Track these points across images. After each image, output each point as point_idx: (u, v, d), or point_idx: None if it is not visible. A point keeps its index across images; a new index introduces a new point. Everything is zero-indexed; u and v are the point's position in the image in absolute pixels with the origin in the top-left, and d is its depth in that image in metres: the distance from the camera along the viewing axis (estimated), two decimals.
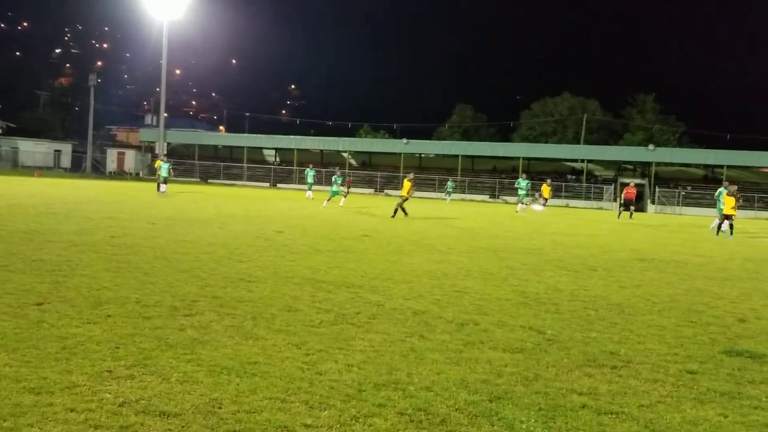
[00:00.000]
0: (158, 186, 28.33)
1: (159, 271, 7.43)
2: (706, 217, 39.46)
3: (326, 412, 3.39)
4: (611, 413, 3.60)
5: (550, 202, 36.46)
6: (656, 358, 4.80)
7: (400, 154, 54.89)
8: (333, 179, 26.29)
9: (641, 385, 4.16)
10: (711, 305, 7.24)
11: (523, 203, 31.00)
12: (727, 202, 20.13)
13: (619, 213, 31.60)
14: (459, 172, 52.49)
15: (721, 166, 49.91)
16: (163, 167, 28.59)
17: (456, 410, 3.53)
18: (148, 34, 65.97)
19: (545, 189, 33.94)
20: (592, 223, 25.35)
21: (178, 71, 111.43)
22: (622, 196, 32.16)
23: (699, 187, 50.22)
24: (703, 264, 11.66)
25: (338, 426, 3.23)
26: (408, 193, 21.23)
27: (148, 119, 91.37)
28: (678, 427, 3.46)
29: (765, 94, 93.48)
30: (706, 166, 54.45)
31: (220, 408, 3.36)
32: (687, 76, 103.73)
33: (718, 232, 20.06)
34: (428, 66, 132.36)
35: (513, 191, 37.75)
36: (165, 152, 45.15)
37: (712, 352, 5.06)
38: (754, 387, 4.22)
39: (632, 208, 30.78)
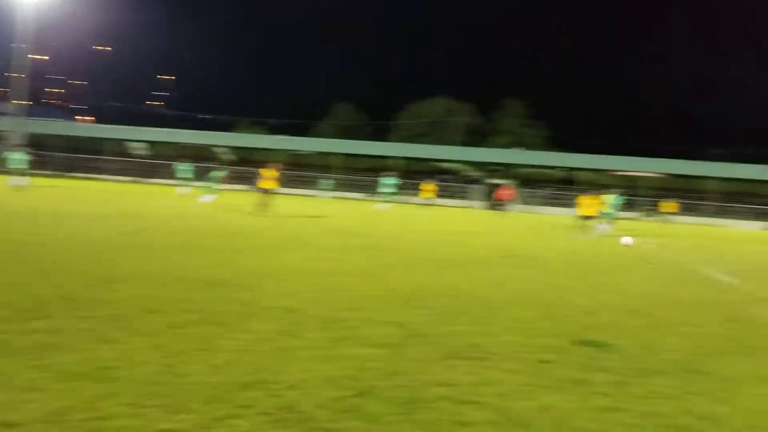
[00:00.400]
0: (13, 179, 26.25)
1: (8, 271, 6.88)
2: (568, 216, 42.06)
3: (185, 415, 3.28)
4: (470, 403, 3.75)
5: (423, 201, 37.51)
6: (514, 350, 5.05)
7: (278, 150, 54.22)
8: (210, 174, 25.56)
9: (499, 375, 4.36)
10: (565, 298, 7.74)
11: (385, 203, 31.79)
12: (585, 203, 21.65)
13: (494, 212, 33.20)
14: (337, 170, 52.70)
15: (580, 169, 53.41)
16: (18, 159, 26.54)
17: (320, 407, 3.53)
18: (7, 14, 60.84)
19: (427, 188, 34.96)
20: (463, 222, 26.31)
21: (40, 57, 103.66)
22: (496, 195, 33.98)
23: (560, 188, 53.45)
24: (562, 260, 12.43)
25: (197, 429, 3.14)
26: (271, 186, 20.77)
27: (3, 107, 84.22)
28: (530, 414, 3.66)
29: (617, 103, 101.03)
30: (566, 169, 57.97)
31: (69, 416, 3.16)
32: (551, 84, 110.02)
33: (587, 233, 21.43)
34: (309, 63, 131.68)
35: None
36: (22, 142, 41.93)
37: (564, 343, 5.41)
38: (599, 374, 4.55)
39: (502, 207, 32.49)
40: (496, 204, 33.28)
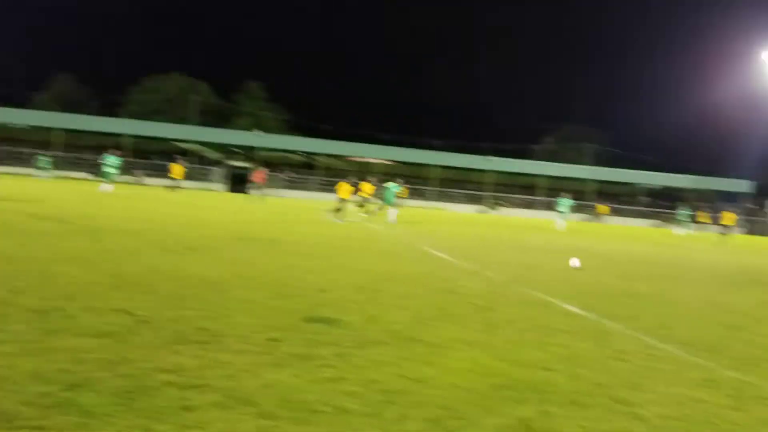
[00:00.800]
0: None
1: None
2: (308, 200, 43.28)
3: None
4: (195, 387, 3.67)
5: (168, 182, 35.81)
6: (244, 330, 5.06)
7: None
8: None
9: (227, 357, 4.33)
10: (299, 278, 7.95)
11: (109, 183, 29.87)
12: (342, 188, 22.87)
13: (243, 194, 33.14)
14: (57, 147, 47.71)
15: (319, 154, 55.23)
16: None
17: (26, 404, 3.19)
18: None
19: (175, 168, 33.35)
20: (199, 204, 25.63)
21: None
22: (249, 178, 34.13)
23: (300, 172, 54.77)
24: (298, 242, 12.75)
25: None
26: None
27: None
28: (256, 392, 3.69)
29: (352, 92, 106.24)
30: (306, 153, 59.53)
31: None
32: (292, 68, 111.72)
33: (342, 217, 22.28)
34: (18, 29, 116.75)
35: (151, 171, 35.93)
36: None
37: (294, 321, 5.56)
38: (325, 348, 4.76)
39: (254, 190, 32.66)
40: (248, 187, 33.43)
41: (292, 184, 51.87)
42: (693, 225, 43.21)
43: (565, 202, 33.23)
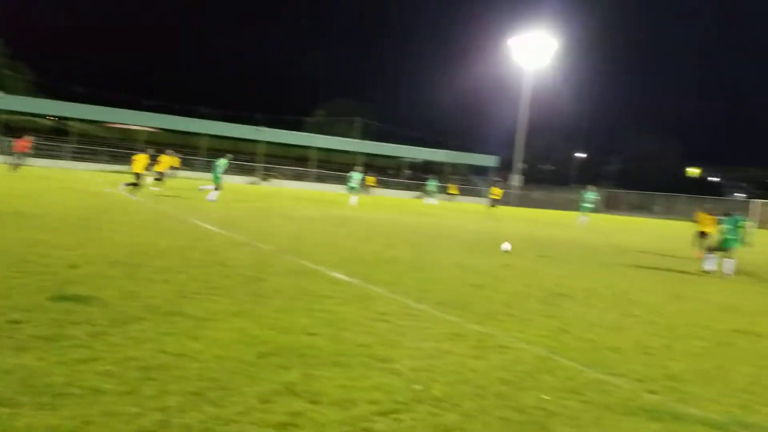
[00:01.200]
0: None
1: None
2: (60, 169, 39.37)
3: None
4: None
5: None
6: None
7: None
8: None
9: None
10: (45, 254, 7.23)
11: None
12: (138, 160, 21.15)
13: (11, 168, 29.47)
14: None
15: (72, 119, 50.42)
16: None
17: None
18: None
19: None
20: None
21: None
22: (14, 147, 30.60)
23: (51, 138, 49.50)
24: (43, 215, 11.58)
25: None
26: None
27: None
28: None
29: (113, 54, 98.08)
30: (57, 118, 53.93)
31: None
32: (40, 26, 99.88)
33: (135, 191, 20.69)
34: None
35: None
36: None
37: (40, 300, 5.05)
38: (75, 328, 4.39)
39: (18, 160, 29.16)
40: (12, 156, 29.83)
41: (42, 152, 46.67)
42: (442, 196, 47.04)
43: (356, 176, 33.96)
